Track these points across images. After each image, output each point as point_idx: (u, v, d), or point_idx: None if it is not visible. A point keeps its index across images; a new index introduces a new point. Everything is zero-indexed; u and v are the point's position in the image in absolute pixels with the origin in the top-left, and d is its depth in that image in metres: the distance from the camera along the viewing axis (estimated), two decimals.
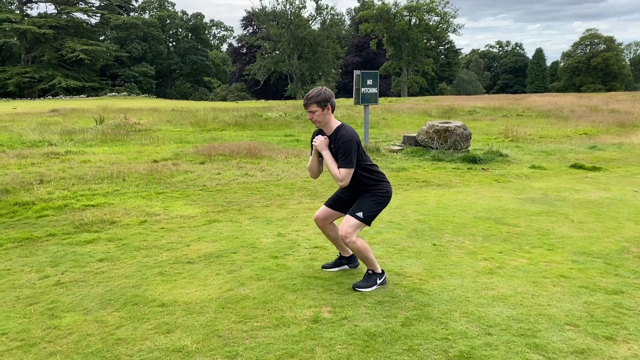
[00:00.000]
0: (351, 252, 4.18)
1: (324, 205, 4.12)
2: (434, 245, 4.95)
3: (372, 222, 3.95)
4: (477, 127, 17.51)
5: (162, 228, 5.65)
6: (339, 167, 3.68)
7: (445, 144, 11.33)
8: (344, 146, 3.65)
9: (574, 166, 10.16)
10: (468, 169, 9.78)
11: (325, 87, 3.80)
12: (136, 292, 3.85)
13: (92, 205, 6.64)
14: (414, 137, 12.15)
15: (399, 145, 12.27)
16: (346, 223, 3.77)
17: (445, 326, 3.23)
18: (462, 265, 4.38)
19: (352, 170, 3.68)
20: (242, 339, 3.10)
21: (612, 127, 17.46)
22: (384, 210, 5.87)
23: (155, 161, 10.10)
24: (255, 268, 4.31)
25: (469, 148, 11.68)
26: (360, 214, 3.76)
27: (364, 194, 3.86)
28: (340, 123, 3.81)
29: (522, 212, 6.33)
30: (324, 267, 4.24)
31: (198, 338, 3.12)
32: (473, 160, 10.44)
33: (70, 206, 6.59)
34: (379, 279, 3.89)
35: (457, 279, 4.05)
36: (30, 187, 7.57)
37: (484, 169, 9.75)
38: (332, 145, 3.76)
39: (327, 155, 3.76)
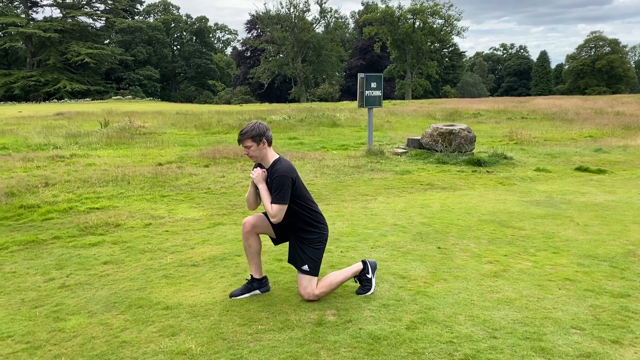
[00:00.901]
0: (263, 274, 3.88)
1: (261, 213, 3.89)
2: (439, 248, 4.94)
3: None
4: (481, 130, 17.48)
5: (167, 231, 5.66)
6: (271, 202, 3.58)
7: (450, 147, 11.31)
8: (277, 181, 3.56)
9: (579, 169, 10.13)
10: (472, 171, 9.76)
11: (259, 122, 3.70)
12: (141, 295, 3.85)
13: (97, 208, 6.66)
14: (418, 139, 12.14)
15: (403, 148, 12.26)
16: (300, 286, 3.67)
17: (450, 329, 3.22)
18: (467, 268, 4.37)
19: (284, 207, 3.57)
20: (246, 342, 3.10)
21: (617, 129, 17.38)
22: (388, 213, 5.84)
23: (160, 164, 10.13)
24: None
25: (474, 151, 11.65)
26: (306, 267, 3.67)
27: (298, 238, 3.73)
28: (278, 157, 3.73)
29: (527, 215, 6.31)
30: (231, 295, 3.79)
31: (202, 341, 3.12)
32: (477, 163, 10.41)
33: (75, 209, 6.61)
34: (368, 273, 3.82)
35: (462, 282, 4.04)
36: (36, 190, 7.60)
37: (488, 172, 9.73)
38: (268, 179, 3.68)
39: (262, 188, 3.66)
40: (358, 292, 3.81)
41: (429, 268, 4.36)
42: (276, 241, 3.97)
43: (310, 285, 3.67)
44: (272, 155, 3.73)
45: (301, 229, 3.75)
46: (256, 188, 3.78)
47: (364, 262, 3.88)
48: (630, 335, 3.16)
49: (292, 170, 3.66)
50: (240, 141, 3.67)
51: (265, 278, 3.90)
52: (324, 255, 4.69)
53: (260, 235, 3.86)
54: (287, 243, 3.91)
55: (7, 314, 3.59)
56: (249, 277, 3.87)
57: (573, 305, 3.60)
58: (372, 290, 3.81)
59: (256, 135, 3.62)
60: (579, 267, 4.39)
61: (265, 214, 3.80)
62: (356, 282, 3.89)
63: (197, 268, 4.45)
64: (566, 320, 3.34)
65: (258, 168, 3.77)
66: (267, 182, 3.69)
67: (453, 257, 4.67)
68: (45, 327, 3.36)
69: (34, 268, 4.52)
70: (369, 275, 3.84)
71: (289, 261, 3.83)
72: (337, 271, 3.89)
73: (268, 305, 3.62)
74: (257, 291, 3.85)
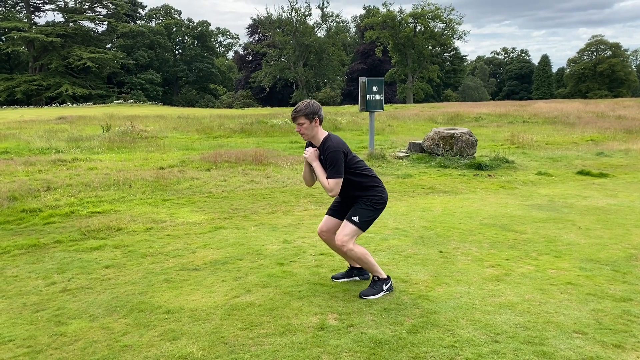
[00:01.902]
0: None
1: (326, 215, 4.09)
2: (440, 252, 4.93)
3: (373, 228, 3.96)
4: (483, 134, 17.48)
5: (168, 235, 5.66)
6: (327, 178, 3.69)
7: (451, 151, 11.31)
8: (331, 156, 3.67)
9: (580, 173, 10.12)
10: (474, 175, 9.76)
11: (313, 100, 3.83)
12: (142, 299, 3.85)
13: (99, 212, 6.67)
14: (420, 143, 12.14)
15: (404, 152, 12.26)
16: (342, 231, 3.79)
17: (452, 334, 3.21)
18: (468, 272, 4.36)
19: (340, 180, 3.68)
20: (247, 346, 3.09)
21: (619, 133, 17.37)
22: (389, 217, 5.84)
23: (162, 168, 10.14)
24: (261, 275, 4.31)
25: (475, 154, 11.65)
26: (356, 219, 3.78)
27: (359, 199, 3.85)
28: (327, 134, 3.83)
29: (529, 218, 6.30)
30: (333, 277, 4.19)
31: (204, 345, 3.11)
32: (479, 166, 10.41)
33: (77, 213, 6.62)
34: (385, 285, 3.88)
35: (463, 286, 4.03)
36: (38, 194, 7.61)
37: (490, 176, 9.72)
38: (321, 157, 3.79)
39: (317, 166, 3.79)
40: (362, 293, 3.83)
41: (431, 272, 4.36)
42: None
43: (352, 236, 3.77)
44: (322, 133, 3.82)
45: (359, 195, 3.84)
46: (310, 167, 3.89)
47: (389, 277, 3.96)
48: (633, 339, 3.15)
49: (343, 144, 3.77)
50: (294, 118, 3.76)
51: (362, 269, 4.12)
52: (327, 260, 4.70)
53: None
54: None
55: (8, 318, 3.59)
56: (349, 266, 4.20)
57: (575, 309, 3.59)
58: (374, 297, 3.81)
59: (310, 113, 3.72)
60: (581, 271, 4.39)
61: (329, 212, 4.04)
62: (372, 279, 3.93)
63: (198, 272, 4.45)
64: (568, 325, 3.34)
65: (310, 147, 3.86)
66: (320, 160, 3.79)
67: (455, 261, 4.67)
68: (47, 331, 3.36)
69: (35, 272, 4.52)
70: (384, 287, 3.88)
71: (345, 218, 3.87)
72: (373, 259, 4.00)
73: (269, 309, 3.62)
74: (357, 277, 4.16)
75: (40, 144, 14.02)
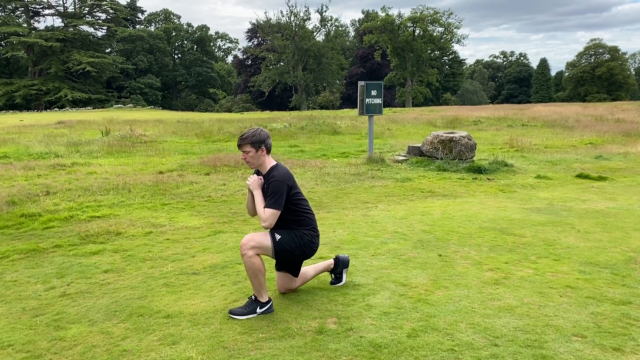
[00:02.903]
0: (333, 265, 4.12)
1: (277, 272, 3.94)
2: (440, 255, 4.93)
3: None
4: (482, 137, 17.50)
5: (168, 239, 5.66)
6: (264, 207, 3.57)
7: (450, 154, 11.32)
8: (273, 186, 3.56)
9: (579, 176, 10.13)
10: (473, 179, 9.76)
11: (261, 128, 3.71)
12: (141, 304, 3.85)
13: (98, 217, 6.67)
14: (419, 147, 12.15)
15: (403, 156, 12.27)
16: (254, 235, 3.64)
17: (451, 337, 3.21)
18: (468, 275, 4.36)
19: (277, 213, 3.55)
20: (247, 350, 3.09)
21: (617, 136, 17.40)
22: (389, 221, 5.84)
23: (161, 172, 10.14)
24: None
25: (474, 158, 11.67)
26: (277, 237, 3.64)
27: (292, 230, 3.72)
28: (275, 163, 3.73)
29: (528, 222, 6.31)
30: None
31: (203, 349, 3.11)
32: (478, 170, 10.42)
33: (76, 217, 6.62)
34: (260, 308, 3.59)
35: (463, 289, 4.03)
36: (37, 198, 7.61)
37: (489, 179, 9.73)
38: (265, 186, 3.68)
39: (257, 194, 3.67)
40: (232, 311, 3.60)
41: (430, 276, 4.36)
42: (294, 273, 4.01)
43: (259, 244, 3.58)
44: (269, 162, 3.74)
45: (296, 229, 3.75)
46: (252, 194, 3.79)
47: (269, 300, 3.67)
48: (632, 342, 3.15)
49: (288, 177, 3.67)
50: (239, 146, 3.68)
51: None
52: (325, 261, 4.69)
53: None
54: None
55: (7, 323, 3.58)
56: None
57: (574, 312, 3.59)
58: (244, 317, 3.54)
59: (256, 142, 3.64)
60: (580, 274, 4.39)
61: (277, 268, 3.92)
62: (249, 298, 3.71)
63: (197, 276, 4.45)
64: (567, 328, 3.34)
65: (255, 175, 3.79)
66: (263, 189, 3.71)
67: (454, 264, 4.67)
68: (46, 336, 3.36)
69: (34, 277, 4.52)
70: (258, 310, 3.59)
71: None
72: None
73: (268, 313, 3.62)
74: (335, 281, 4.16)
75: (39, 149, 14.03)
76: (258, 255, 3.60)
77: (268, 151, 3.71)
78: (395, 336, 3.23)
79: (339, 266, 4.12)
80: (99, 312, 3.72)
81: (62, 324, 3.54)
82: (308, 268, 4.05)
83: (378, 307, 3.70)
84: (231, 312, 3.60)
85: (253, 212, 3.90)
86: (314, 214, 3.89)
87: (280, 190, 3.57)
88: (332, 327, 3.39)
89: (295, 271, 3.93)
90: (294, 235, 3.71)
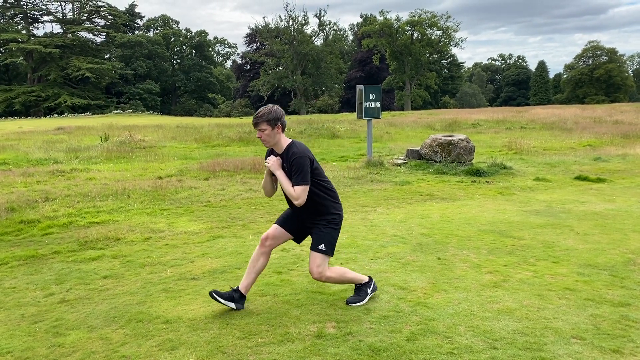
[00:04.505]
0: (246, 294, 3.83)
1: (274, 224, 3.86)
2: (439, 258, 4.93)
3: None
4: (480, 140, 17.52)
5: (167, 244, 5.66)
6: (293, 185, 3.54)
7: (449, 157, 11.33)
8: (297, 162, 3.52)
9: (578, 178, 10.14)
10: (472, 181, 9.77)
11: (276, 106, 3.66)
12: (140, 309, 3.85)
13: (97, 223, 6.67)
14: (418, 150, 12.17)
15: (402, 159, 12.28)
16: (313, 264, 3.66)
17: (450, 340, 3.21)
18: (466, 278, 4.36)
19: (307, 188, 3.54)
20: (246, 355, 3.09)
21: (616, 138, 17.43)
22: (388, 224, 5.86)
23: (160, 178, 10.15)
24: (259, 283, 4.30)
25: (473, 161, 11.68)
26: (322, 247, 3.65)
27: (317, 219, 3.71)
28: (290, 141, 3.68)
29: (527, 224, 6.31)
30: (213, 291, 3.71)
31: (202, 355, 3.11)
32: (477, 173, 10.43)
33: (75, 223, 6.62)
34: (369, 288, 3.88)
35: (462, 292, 4.03)
36: (36, 204, 7.62)
37: (488, 182, 9.74)
38: (284, 164, 3.63)
39: (280, 175, 3.61)
40: (349, 300, 3.83)
41: (429, 279, 4.36)
42: (298, 239, 3.94)
43: (324, 264, 3.68)
44: (285, 140, 3.67)
45: (320, 212, 3.71)
46: (272, 175, 3.77)
47: (370, 278, 3.95)
48: (631, 344, 3.15)
49: (308, 150, 3.65)
50: (255, 124, 3.60)
51: (244, 298, 3.81)
52: None
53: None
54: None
55: (6, 330, 3.58)
56: (235, 287, 3.80)
57: (573, 314, 3.59)
58: (361, 304, 3.80)
59: (272, 119, 3.57)
60: (579, 276, 4.39)
61: (278, 222, 3.85)
62: (355, 287, 3.93)
63: (196, 281, 4.45)
64: (566, 330, 3.34)
65: (272, 156, 3.71)
66: (283, 168, 3.66)
67: (453, 267, 4.67)
68: (45, 343, 3.36)
69: (33, 283, 4.52)
70: (368, 290, 3.88)
71: (310, 248, 3.74)
72: (351, 271, 3.92)
73: (268, 318, 3.62)
74: (233, 305, 3.73)
75: (38, 155, 14.03)
76: (330, 270, 3.71)
77: (283, 129, 3.66)
78: (395, 340, 3.23)
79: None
80: (98, 318, 3.72)
81: (61, 330, 3.54)
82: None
83: (377, 310, 3.70)
84: (348, 301, 3.81)
85: (271, 193, 3.90)
86: (332, 183, 3.84)
87: (306, 166, 3.54)
88: (331, 331, 3.39)
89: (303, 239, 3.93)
90: (328, 227, 3.70)
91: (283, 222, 3.86)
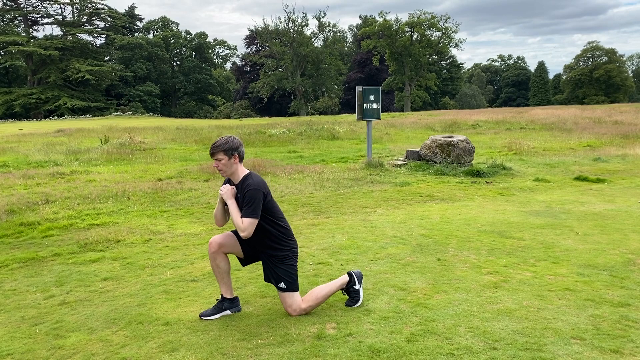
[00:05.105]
0: (234, 294, 3.82)
1: (230, 232, 3.78)
2: (439, 259, 4.94)
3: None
4: (480, 141, 17.53)
5: (167, 246, 5.66)
6: (242, 217, 3.50)
7: (449, 158, 11.34)
8: (250, 194, 3.49)
9: (578, 178, 10.14)
10: (472, 182, 9.78)
11: (233, 136, 3.63)
12: (141, 311, 3.85)
13: (97, 225, 6.67)
14: (417, 151, 12.18)
15: (402, 160, 12.29)
16: (285, 305, 3.65)
17: (450, 341, 3.22)
18: (466, 279, 4.36)
19: (255, 221, 3.49)
20: (246, 357, 3.09)
21: (616, 138, 17.43)
22: (387, 225, 5.86)
23: (160, 179, 10.16)
24: (259, 285, 4.31)
25: (473, 162, 11.68)
26: (282, 285, 3.62)
27: (268, 253, 3.67)
28: (248, 172, 3.66)
29: (527, 225, 6.32)
30: (201, 315, 3.70)
31: (202, 356, 3.11)
32: (477, 174, 10.43)
33: (76, 226, 6.62)
34: (355, 284, 3.83)
35: (461, 293, 4.04)
36: (36, 207, 7.62)
37: (487, 183, 9.74)
38: (238, 195, 3.61)
39: (231, 204, 3.58)
40: (347, 304, 3.82)
41: (429, 280, 4.36)
42: (244, 261, 3.87)
43: (294, 301, 3.65)
44: (242, 171, 3.66)
45: (270, 247, 3.67)
46: (224, 204, 3.71)
47: (349, 274, 3.86)
48: (631, 344, 3.15)
49: (263, 185, 3.62)
50: (212, 154, 3.59)
51: (236, 298, 3.80)
52: (325, 269, 4.70)
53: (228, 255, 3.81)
54: (261, 263, 3.84)
55: (7, 332, 3.58)
56: (219, 297, 3.77)
57: (573, 315, 3.59)
58: (360, 302, 3.81)
59: (229, 149, 3.56)
60: (579, 276, 4.39)
61: (234, 232, 3.76)
62: (344, 294, 3.90)
63: (197, 283, 4.45)
64: (566, 331, 3.34)
65: (227, 185, 3.69)
66: (236, 198, 3.63)
67: (453, 268, 4.67)
68: (45, 345, 3.36)
69: (34, 285, 4.52)
70: (356, 287, 3.83)
71: (265, 280, 3.77)
72: (323, 284, 3.86)
73: (268, 319, 3.62)
74: (228, 311, 3.73)
75: (38, 157, 14.04)
76: (303, 302, 3.67)
77: (241, 159, 3.63)
78: (395, 341, 3.23)
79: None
80: (98, 320, 3.73)
81: (61, 332, 3.54)
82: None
83: (377, 311, 3.70)
84: (347, 305, 3.79)
85: (222, 222, 3.83)
86: (286, 219, 3.78)
87: (257, 199, 3.50)
88: (331, 332, 3.39)
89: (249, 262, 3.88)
90: (283, 264, 3.64)
91: (236, 233, 3.75)
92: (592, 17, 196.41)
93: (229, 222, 3.84)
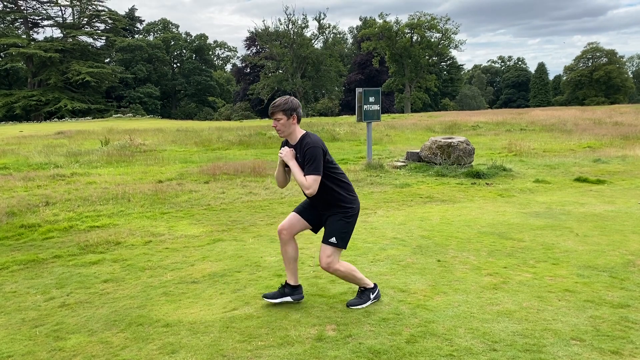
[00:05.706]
0: (298, 282, 3.94)
1: (292, 213, 3.92)
2: (439, 261, 4.94)
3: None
4: (480, 142, 17.53)
5: (167, 248, 5.67)
6: (305, 175, 3.58)
7: (449, 160, 11.34)
8: (310, 152, 3.56)
9: (578, 180, 10.14)
10: (472, 184, 9.78)
11: (292, 97, 3.72)
12: (141, 313, 3.85)
13: (97, 227, 6.68)
14: (417, 153, 12.18)
15: (402, 162, 12.29)
16: (323, 254, 3.70)
17: (450, 343, 3.22)
18: (466, 280, 4.37)
19: (319, 178, 3.56)
20: (246, 359, 3.10)
21: (616, 139, 17.43)
22: (387, 227, 5.86)
23: (160, 181, 10.16)
24: (259, 287, 4.31)
25: (473, 163, 11.69)
26: (333, 240, 3.67)
27: (332, 210, 3.74)
28: (305, 132, 3.74)
29: (527, 226, 6.32)
30: (264, 296, 3.91)
31: (202, 358, 3.11)
32: (477, 175, 10.43)
33: (76, 227, 6.63)
34: (372, 294, 3.89)
35: (461, 294, 4.04)
36: (36, 209, 7.63)
37: (487, 184, 9.75)
38: (298, 155, 3.68)
39: (293, 165, 3.66)
40: (350, 303, 3.84)
41: (429, 281, 4.37)
42: (315, 228, 3.96)
43: (334, 256, 3.70)
44: (299, 132, 3.73)
45: (333, 203, 3.73)
46: (285, 166, 3.82)
47: (375, 285, 3.97)
48: (630, 345, 3.15)
49: (321, 142, 3.68)
50: (272, 113, 3.66)
51: (299, 287, 3.94)
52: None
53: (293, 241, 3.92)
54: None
55: (7, 334, 3.59)
56: (284, 283, 3.92)
57: (573, 316, 3.60)
58: (363, 306, 3.81)
59: (288, 109, 3.64)
60: (579, 278, 4.40)
61: (297, 210, 3.90)
62: (358, 292, 3.93)
63: (197, 285, 4.45)
64: (566, 332, 3.34)
65: (286, 147, 3.77)
66: (296, 159, 3.70)
67: (453, 269, 4.67)
68: (46, 347, 3.36)
69: (34, 287, 4.53)
70: (371, 295, 3.89)
71: (322, 241, 3.77)
72: (359, 271, 3.95)
73: (268, 321, 3.63)
74: (289, 298, 3.89)
75: (39, 159, 14.04)
76: (339, 263, 3.74)
77: (299, 120, 3.71)
78: (394, 342, 3.24)
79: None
80: (99, 322, 3.73)
81: (61, 334, 3.54)
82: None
83: (377, 313, 3.71)
84: (349, 304, 3.82)
85: (284, 184, 3.94)
86: (346, 175, 3.85)
87: (318, 156, 3.56)
88: (331, 334, 3.39)
89: (318, 229, 3.94)
90: (340, 219, 3.71)
91: (301, 210, 3.92)
92: (592, 18, 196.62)
93: (292, 182, 3.90)
